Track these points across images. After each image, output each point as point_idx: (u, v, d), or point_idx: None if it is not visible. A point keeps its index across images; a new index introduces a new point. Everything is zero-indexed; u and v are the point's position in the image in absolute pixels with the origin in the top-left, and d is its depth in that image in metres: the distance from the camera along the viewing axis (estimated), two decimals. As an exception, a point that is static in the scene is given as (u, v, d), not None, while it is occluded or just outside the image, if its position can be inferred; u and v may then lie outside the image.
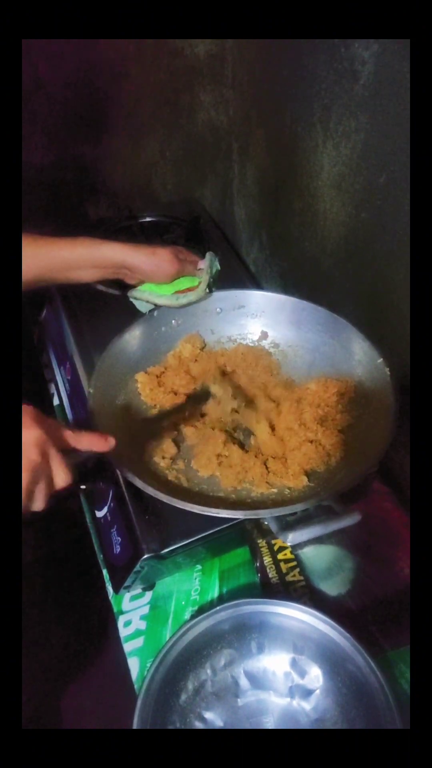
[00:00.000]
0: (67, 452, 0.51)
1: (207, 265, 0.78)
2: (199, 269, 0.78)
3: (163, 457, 0.68)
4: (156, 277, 0.74)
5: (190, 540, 0.64)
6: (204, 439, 0.69)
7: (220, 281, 0.81)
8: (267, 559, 0.72)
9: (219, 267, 0.80)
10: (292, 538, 0.57)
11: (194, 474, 0.68)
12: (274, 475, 0.66)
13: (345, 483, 0.60)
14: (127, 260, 0.71)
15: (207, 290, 0.78)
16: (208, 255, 0.79)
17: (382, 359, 0.67)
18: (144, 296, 0.77)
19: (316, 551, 0.73)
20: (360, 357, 0.70)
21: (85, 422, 0.62)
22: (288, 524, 0.59)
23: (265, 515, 0.59)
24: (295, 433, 0.69)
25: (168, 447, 0.69)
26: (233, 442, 0.69)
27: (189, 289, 0.78)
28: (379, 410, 0.65)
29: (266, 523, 0.62)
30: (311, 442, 0.68)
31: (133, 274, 0.73)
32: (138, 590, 0.71)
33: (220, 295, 0.80)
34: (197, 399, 0.73)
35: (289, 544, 0.60)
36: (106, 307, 0.88)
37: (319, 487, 0.65)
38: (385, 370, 0.66)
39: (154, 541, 0.63)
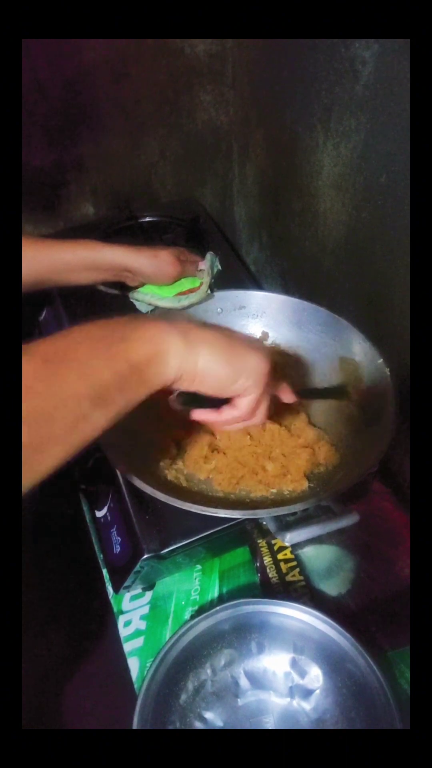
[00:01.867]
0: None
1: (208, 266, 0.78)
2: (200, 270, 0.78)
3: (163, 458, 0.68)
4: (157, 279, 0.74)
5: (189, 540, 0.64)
6: (192, 442, 0.69)
7: (221, 281, 0.81)
8: (267, 559, 0.72)
9: (220, 267, 0.80)
10: (290, 538, 0.57)
11: (193, 474, 0.67)
12: (274, 478, 0.66)
13: (344, 484, 0.60)
14: (129, 263, 0.71)
15: (208, 291, 0.78)
16: (208, 255, 0.79)
17: (382, 360, 0.67)
18: (146, 298, 0.77)
19: (316, 551, 0.73)
20: (360, 358, 0.70)
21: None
22: (287, 524, 0.59)
23: (264, 515, 0.59)
24: (294, 437, 0.69)
25: (168, 447, 0.69)
26: (218, 449, 0.69)
27: (190, 291, 0.78)
28: (379, 411, 0.65)
29: (265, 523, 0.62)
30: (309, 446, 0.68)
31: (135, 276, 0.73)
32: (138, 590, 0.71)
33: (220, 295, 0.80)
34: None
35: (287, 543, 0.60)
36: (106, 307, 0.88)
37: (319, 488, 0.65)
38: (386, 371, 0.66)
39: (154, 541, 0.63)
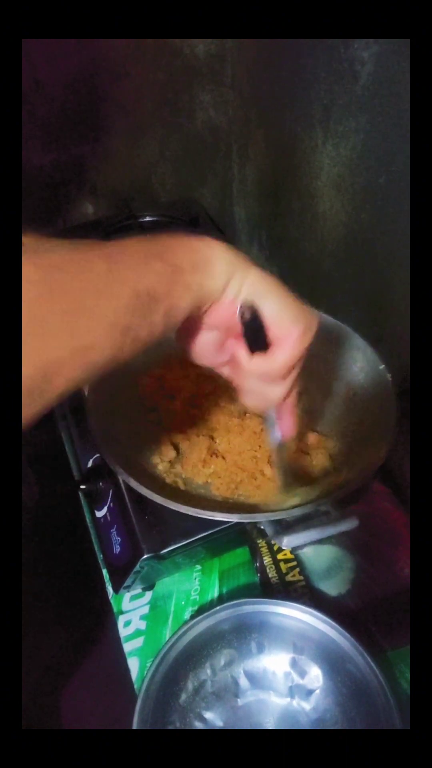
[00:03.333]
0: None
1: None
2: None
3: (162, 461, 0.68)
4: None
5: (189, 540, 0.64)
6: (191, 446, 0.69)
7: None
8: (267, 559, 0.72)
9: None
10: (287, 541, 0.57)
11: (191, 479, 0.67)
12: (272, 483, 0.66)
13: (343, 490, 0.59)
14: None
15: None
16: None
17: (384, 366, 0.66)
18: None
19: (316, 551, 0.73)
20: (362, 363, 0.70)
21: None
22: (284, 527, 0.59)
23: (261, 519, 0.59)
24: (295, 441, 0.68)
25: (167, 450, 0.69)
26: (217, 453, 0.69)
27: None
28: (379, 417, 0.64)
29: (263, 526, 0.62)
30: (309, 452, 0.67)
31: None
32: (138, 590, 0.71)
33: None
34: None
35: (284, 547, 0.60)
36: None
37: (317, 493, 0.65)
38: (387, 377, 0.65)
39: (154, 541, 0.63)
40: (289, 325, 0.45)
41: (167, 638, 0.59)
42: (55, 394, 0.34)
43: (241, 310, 0.45)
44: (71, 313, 0.34)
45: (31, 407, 0.34)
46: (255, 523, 0.68)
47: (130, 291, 0.36)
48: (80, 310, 0.34)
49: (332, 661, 0.59)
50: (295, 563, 0.72)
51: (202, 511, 0.55)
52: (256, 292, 0.44)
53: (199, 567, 0.73)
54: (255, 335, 0.46)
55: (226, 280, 0.43)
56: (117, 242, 0.40)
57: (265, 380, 0.49)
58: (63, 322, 0.34)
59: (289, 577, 0.70)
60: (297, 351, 0.46)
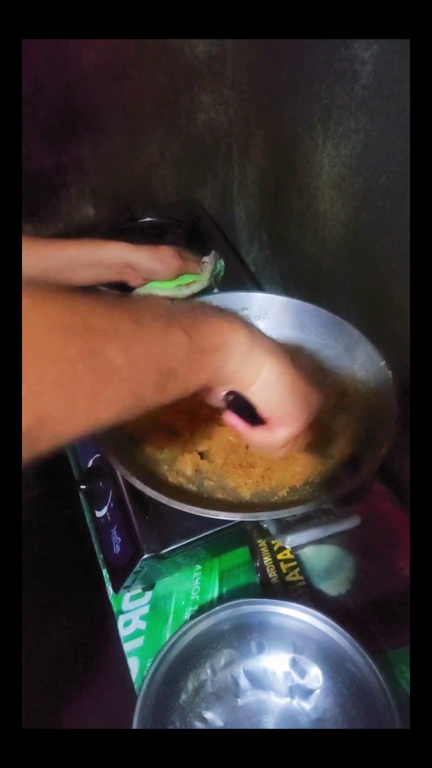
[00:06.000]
0: None
1: (211, 258, 0.78)
2: (204, 262, 0.78)
3: (163, 459, 0.68)
4: (160, 273, 0.74)
5: (189, 540, 0.64)
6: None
7: (222, 281, 0.81)
8: (267, 559, 0.71)
9: (224, 264, 0.80)
10: (291, 540, 0.57)
11: (193, 475, 0.67)
12: (269, 480, 0.66)
13: (345, 487, 0.59)
14: (131, 258, 0.71)
15: (211, 280, 0.78)
16: (213, 252, 0.79)
17: (384, 362, 0.66)
18: (146, 290, 0.78)
19: (316, 551, 0.73)
20: (363, 360, 0.70)
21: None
22: (287, 526, 0.59)
23: (263, 518, 0.59)
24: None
25: (162, 443, 0.69)
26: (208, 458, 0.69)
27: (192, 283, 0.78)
28: (381, 413, 0.64)
29: (265, 525, 0.62)
30: (307, 451, 0.68)
31: (137, 272, 0.73)
32: (138, 590, 0.71)
33: (223, 297, 0.80)
34: None
35: (287, 546, 0.60)
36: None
37: (319, 490, 0.65)
38: (388, 374, 0.65)
39: (154, 541, 0.63)
40: (295, 409, 0.48)
41: (167, 638, 0.59)
42: (50, 444, 0.34)
43: (225, 397, 0.48)
44: (96, 376, 0.33)
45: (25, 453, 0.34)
46: (256, 522, 0.68)
47: (155, 369, 0.37)
48: (107, 376, 0.34)
49: (332, 661, 0.59)
50: (295, 563, 0.71)
51: (204, 510, 0.55)
52: (268, 382, 0.46)
53: (199, 567, 0.73)
54: (250, 412, 0.49)
55: (237, 368, 0.44)
56: (141, 301, 0.41)
57: (267, 448, 0.52)
58: (86, 382, 0.33)
59: (289, 577, 0.70)
60: (299, 429, 0.49)
